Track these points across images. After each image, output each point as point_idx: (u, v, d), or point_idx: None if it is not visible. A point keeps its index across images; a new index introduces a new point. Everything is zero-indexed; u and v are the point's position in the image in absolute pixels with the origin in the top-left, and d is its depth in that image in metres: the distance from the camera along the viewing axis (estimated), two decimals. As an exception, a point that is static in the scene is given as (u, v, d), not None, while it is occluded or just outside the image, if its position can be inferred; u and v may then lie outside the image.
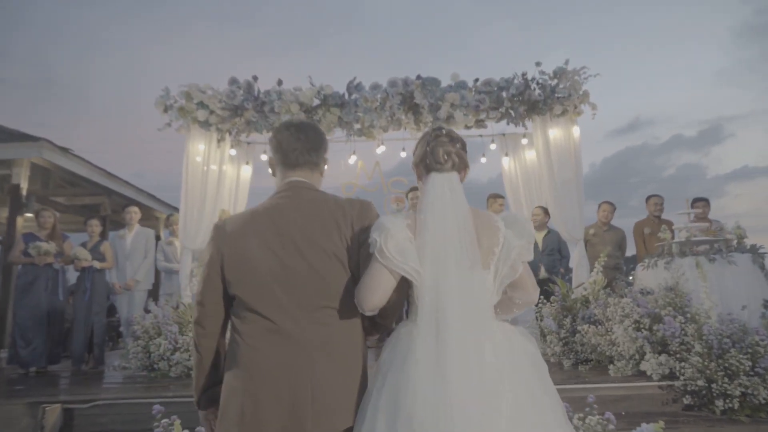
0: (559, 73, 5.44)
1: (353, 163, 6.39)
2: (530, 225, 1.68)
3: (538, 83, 5.49)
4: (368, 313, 1.57)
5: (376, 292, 1.51)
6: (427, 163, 1.67)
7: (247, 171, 6.70)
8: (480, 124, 5.71)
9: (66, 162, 8.33)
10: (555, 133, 5.75)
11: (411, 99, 5.35)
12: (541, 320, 5.24)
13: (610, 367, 4.26)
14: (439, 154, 1.65)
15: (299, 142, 1.70)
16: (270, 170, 1.79)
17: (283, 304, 1.52)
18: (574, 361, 4.82)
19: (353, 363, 1.56)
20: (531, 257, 1.64)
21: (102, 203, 10.33)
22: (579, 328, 4.71)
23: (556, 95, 5.51)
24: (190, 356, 4.80)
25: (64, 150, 8.11)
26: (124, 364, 4.90)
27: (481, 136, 6.82)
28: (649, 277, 4.75)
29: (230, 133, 5.68)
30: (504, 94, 5.45)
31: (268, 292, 1.53)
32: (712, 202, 6.26)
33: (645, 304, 4.15)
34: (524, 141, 6.36)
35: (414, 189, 5.90)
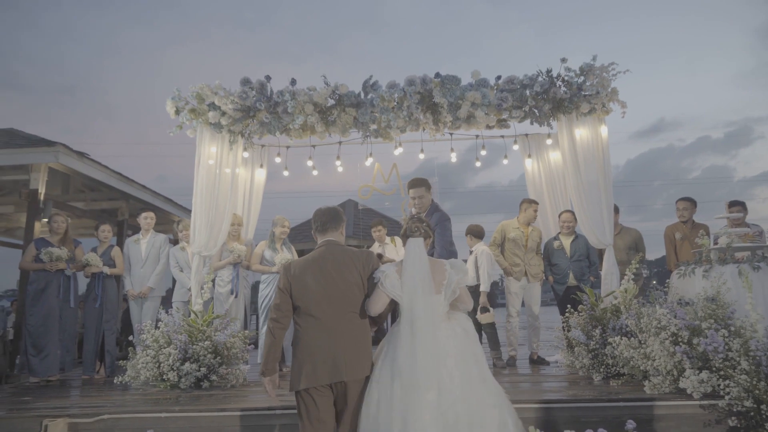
0: (586, 70, 5.14)
1: (369, 165, 6.17)
2: (465, 266, 2.90)
3: (563, 80, 5.20)
4: (372, 315, 2.82)
5: (378, 305, 2.79)
6: (407, 234, 2.95)
7: (261, 174, 6.52)
8: (502, 123, 5.44)
9: (83, 167, 8.26)
10: (581, 133, 5.44)
11: (430, 98, 5.10)
12: (569, 330, 4.95)
13: (646, 383, 3.95)
14: (413, 227, 2.94)
15: (327, 216, 2.95)
16: (313, 234, 3.02)
17: (326, 310, 2.71)
18: (605, 375, 4.52)
19: (363, 341, 2.76)
20: (465, 284, 2.86)
21: (119, 208, 10.32)
22: (610, 339, 4.41)
23: (582, 93, 5.22)
24: (200, 367, 4.62)
25: (81, 155, 8.05)
26: (133, 375, 4.74)
27: (503, 137, 6.54)
28: (685, 285, 4.42)
29: (243, 135, 5.50)
30: (527, 92, 5.17)
31: (317, 304, 2.71)
32: None
33: (683, 316, 3.84)
34: (549, 141, 6.07)
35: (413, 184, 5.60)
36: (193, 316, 4.95)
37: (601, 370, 4.53)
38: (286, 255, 5.92)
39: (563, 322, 5.06)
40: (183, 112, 5.22)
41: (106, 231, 6.07)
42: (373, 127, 5.30)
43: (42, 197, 7.86)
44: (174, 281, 6.22)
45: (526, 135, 6.56)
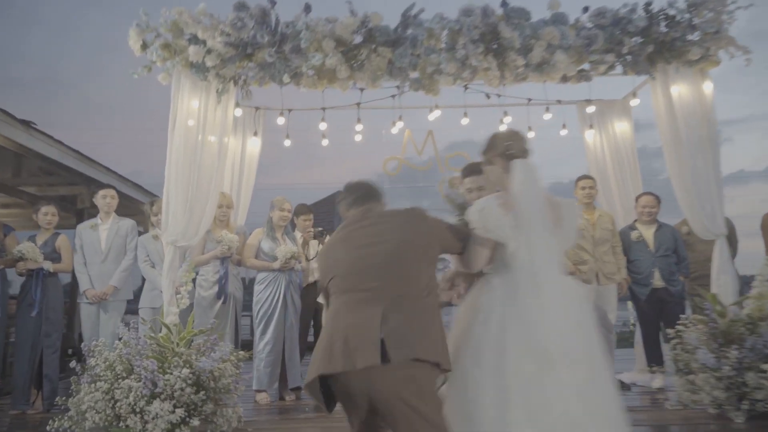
0: (698, 3, 3.88)
1: (398, 133, 4.83)
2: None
3: (666, 17, 3.93)
4: (473, 272, 2.30)
5: (480, 256, 2.21)
6: (511, 154, 2.30)
7: (254, 144, 5.11)
8: (583, 74, 4.11)
9: (29, 140, 6.65)
10: (680, 90, 4.19)
11: (494, 36, 3.77)
12: (680, 348, 3.69)
13: None
14: (522, 147, 2.33)
15: (365, 189, 2.37)
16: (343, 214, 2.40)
17: (361, 284, 2.07)
18: (750, 413, 3.26)
19: (418, 319, 1.99)
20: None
21: (79, 194, 8.73)
22: (764, 366, 3.14)
23: (686, 35, 3.95)
24: (175, 407, 3.20)
25: (26, 124, 6.48)
26: (77, 418, 3.28)
27: (559, 102, 5.30)
28: None
29: (236, 83, 4.04)
30: (617, 31, 3.88)
31: (348, 278, 2.12)
32: None
33: None
34: (635, 102, 4.74)
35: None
36: (165, 331, 3.52)
37: (744, 406, 3.27)
38: (289, 247, 4.53)
39: (671, 337, 3.78)
40: (153, 47, 3.77)
41: (50, 214, 4.59)
42: (414, 75, 3.94)
43: (-25, 178, 6.30)
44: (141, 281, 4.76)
45: (588, 100, 5.31)
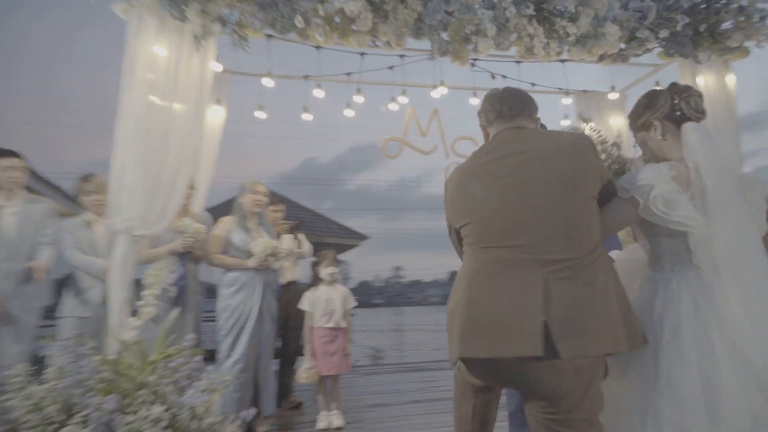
0: (744, -12, 3.62)
1: (398, 111, 4.13)
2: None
3: (711, -3, 3.63)
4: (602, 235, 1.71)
5: (618, 220, 1.78)
6: (679, 116, 1.80)
7: (218, 115, 4.15)
8: (620, 55, 3.69)
9: None
10: (705, 81, 3.95)
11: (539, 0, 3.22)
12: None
13: None
14: (697, 107, 1.81)
15: (513, 98, 1.85)
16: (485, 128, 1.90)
17: (510, 239, 1.65)
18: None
19: (592, 293, 1.56)
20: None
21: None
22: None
23: (721, 22, 3.68)
24: (146, 462, 2.26)
25: None
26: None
27: (561, 89, 4.90)
28: None
29: (224, 25, 3.08)
30: (663, 8, 3.50)
31: (490, 228, 1.68)
32: None
33: None
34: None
35: None
36: (125, 352, 2.53)
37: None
38: (268, 240, 3.67)
39: None
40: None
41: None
42: (444, 35, 3.27)
43: None
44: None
45: (585, 91, 5.00)
